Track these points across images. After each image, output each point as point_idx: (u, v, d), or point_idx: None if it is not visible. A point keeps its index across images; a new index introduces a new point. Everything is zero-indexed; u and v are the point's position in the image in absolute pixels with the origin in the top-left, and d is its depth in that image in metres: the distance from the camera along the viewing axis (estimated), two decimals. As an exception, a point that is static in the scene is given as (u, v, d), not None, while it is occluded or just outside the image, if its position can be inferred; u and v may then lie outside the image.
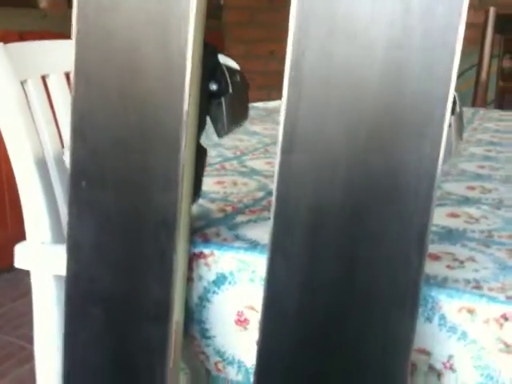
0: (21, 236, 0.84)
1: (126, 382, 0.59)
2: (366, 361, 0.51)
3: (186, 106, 0.53)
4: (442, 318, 0.52)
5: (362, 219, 0.48)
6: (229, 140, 1.17)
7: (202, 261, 0.60)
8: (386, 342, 0.50)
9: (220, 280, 0.60)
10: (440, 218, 0.73)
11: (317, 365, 0.54)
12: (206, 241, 0.61)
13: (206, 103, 0.58)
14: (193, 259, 0.61)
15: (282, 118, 0.50)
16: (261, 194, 0.80)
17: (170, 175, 0.54)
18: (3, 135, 0.83)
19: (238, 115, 0.59)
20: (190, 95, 0.53)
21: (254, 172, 0.92)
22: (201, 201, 0.76)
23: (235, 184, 0.85)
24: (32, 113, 0.84)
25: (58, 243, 0.82)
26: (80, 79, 0.55)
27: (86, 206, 0.56)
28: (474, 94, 2.33)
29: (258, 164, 0.98)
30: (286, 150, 0.50)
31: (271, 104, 1.58)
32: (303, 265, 0.51)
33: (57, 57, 0.95)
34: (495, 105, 2.43)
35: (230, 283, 0.59)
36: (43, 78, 0.93)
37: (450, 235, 0.67)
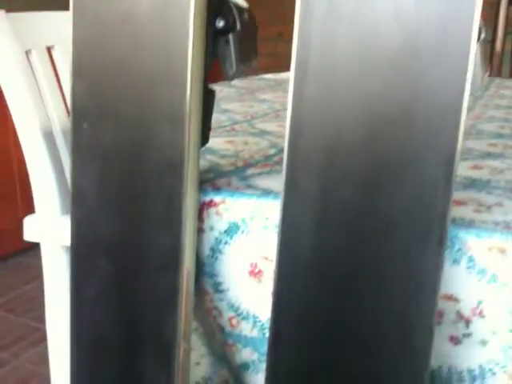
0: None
1: (135, 334, 0.56)
2: (387, 308, 0.48)
3: (190, 43, 0.50)
4: (471, 260, 0.48)
5: (382, 149, 0.45)
6: (238, 106, 1.13)
7: (212, 209, 0.57)
8: (410, 287, 0.47)
9: (232, 229, 0.57)
10: (463, 170, 0.69)
11: (335, 314, 0.51)
12: (217, 189, 0.58)
13: (214, 41, 0.54)
14: (203, 209, 0.58)
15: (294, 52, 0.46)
16: (272, 151, 0.77)
17: (176, 114, 0.51)
18: (9, 105, 0.81)
19: (247, 54, 0.56)
20: (194, 31, 0.50)
21: (264, 133, 0.89)
22: (210, 157, 0.73)
23: (246, 143, 0.82)
24: (37, 83, 0.83)
25: (67, 214, 0.81)
26: (79, 15, 0.51)
27: (89, 151, 0.54)
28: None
29: (268, 126, 0.94)
30: (299, 81, 0.46)
31: (281, 75, 1.54)
32: (319, 205, 0.48)
33: (62, 28, 0.93)
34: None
35: (242, 232, 0.56)
36: (48, 50, 0.90)
37: (474, 184, 0.63)
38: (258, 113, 1.07)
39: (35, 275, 1.96)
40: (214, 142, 0.82)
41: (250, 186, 0.59)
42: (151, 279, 0.55)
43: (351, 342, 0.51)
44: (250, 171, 0.66)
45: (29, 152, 0.81)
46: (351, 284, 0.49)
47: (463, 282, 0.49)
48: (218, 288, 0.60)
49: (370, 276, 0.47)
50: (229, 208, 0.56)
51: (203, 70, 0.54)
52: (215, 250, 0.58)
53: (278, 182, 0.60)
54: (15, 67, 0.79)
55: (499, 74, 2.28)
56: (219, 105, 1.13)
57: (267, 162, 0.70)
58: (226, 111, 1.07)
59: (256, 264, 0.57)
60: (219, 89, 1.30)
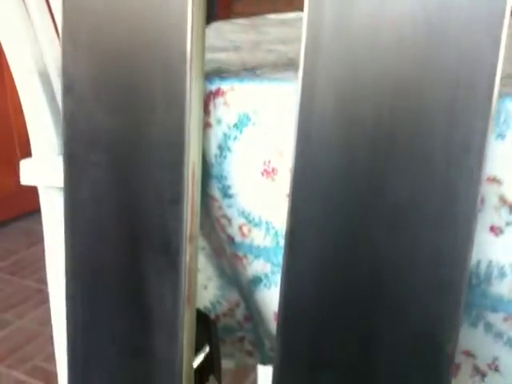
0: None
1: (136, 238, 0.50)
2: (424, 190, 0.42)
3: None
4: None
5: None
6: (242, 37, 1.07)
7: (220, 99, 0.51)
8: (451, 161, 0.41)
9: (242, 121, 0.51)
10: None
11: (364, 209, 0.45)
12: (224, 77, 0.52)
13: None
14: (209, 100, 0.51)
15: None
16: (282, 62, 0.70)
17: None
18: (2, 43, 0.76)
19: None
20: None
21: (272, 51, 0.82)
22: (214, 64, 0.67)
23: (253, 57, 0.75)
24: (31, 21, 0.78)
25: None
26: None
27: (80, 33, 0.47)
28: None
29: (275, 47, 0.87)
30: None
31: (286, 15, 1.46)
32: (346, 74, 0.42)
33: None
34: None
35: (254, 124, 0.50)
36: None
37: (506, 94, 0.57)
38: (263, 40, 1.00)
39: (37, 239, 1.93)
40: (217, 55, 0.75)
41: (261, 76, 0.53)
42: (153, 177, 0.49)
43: (383, 240, 0.45)
44: (259, 71, 0.60)
45: (24, 92, 0.77)
46: (385, 167, 0.43)
47: (508, 159, 0.43)
48: (226, 193, 0.54)
49: (406, 156, 0.41)
50: (238, 96, 0.50)
51: None
52: (223, 148, 0.52)
53: (292, 75, 0.54)
54: (7, 2, 0.73)
55: None
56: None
57: (277, 67, 0.64)
58: (228, 40, 1.00)
59: (269, 162, 0.51)
60: (220, 25, 1.23)
